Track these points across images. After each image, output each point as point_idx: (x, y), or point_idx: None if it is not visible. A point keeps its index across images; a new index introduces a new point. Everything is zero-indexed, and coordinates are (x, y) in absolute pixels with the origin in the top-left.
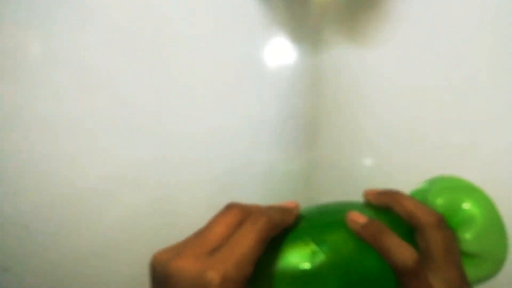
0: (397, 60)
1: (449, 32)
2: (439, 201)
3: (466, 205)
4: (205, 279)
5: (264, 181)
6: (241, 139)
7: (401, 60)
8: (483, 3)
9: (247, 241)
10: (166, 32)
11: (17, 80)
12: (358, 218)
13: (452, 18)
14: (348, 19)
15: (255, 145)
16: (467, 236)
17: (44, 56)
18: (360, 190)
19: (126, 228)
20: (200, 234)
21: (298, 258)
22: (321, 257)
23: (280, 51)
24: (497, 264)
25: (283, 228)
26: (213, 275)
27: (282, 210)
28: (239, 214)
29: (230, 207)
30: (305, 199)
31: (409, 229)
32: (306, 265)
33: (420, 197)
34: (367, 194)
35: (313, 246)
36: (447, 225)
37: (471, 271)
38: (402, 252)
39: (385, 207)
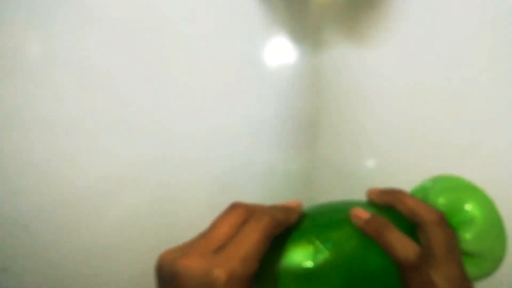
0: (397, 60)
1: (449, 32)
2: (441, 200)
3: (467, 206)
4: (212, 277)
5: (264, 181)
6: (241, 139)
7: (401, 60)
8: (483, 3)
9: (251, 239)
10: (166, 32)
11: (17, 80)
12: (362, 214)
13: (451, 18)
14: (348, 19)
15: (255, 145)
16: (467, 235)
17: (44, 56)
18: (360, 190)
19: (126, 228)
20: (205, 234)
21: (302, 256)
22: (324, 255)
23: (280, 51)
24: (496, 263)
25: (287, 226)
26: (220, 273)
27: (285, 209)
28: (243, 213)
29: (234, 207)
30: (305, 199)
31: (411, 227)
32: (309, 263)
33: (421, 195)
34: (370, 193)
35: (316, 244)
36: (448, 223)
37: (470, 269)
38: (405, 246)
39: (387, 205)
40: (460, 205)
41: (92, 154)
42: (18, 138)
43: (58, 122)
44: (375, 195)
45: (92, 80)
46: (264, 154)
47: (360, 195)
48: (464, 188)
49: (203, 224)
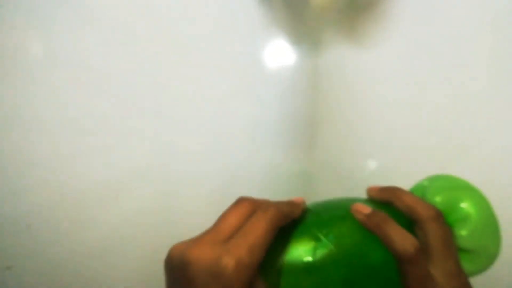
0: (396, 61)
1: (447, 33)
2: (438, 199)
3: (463, 204)
4: (221, 265)
5: (264, 181)
6: (241, 140)
7: (399, 61)
8: (482, 4)
9: (258, 229)
10: (166, 33)
11: (18, 80)
12: (363, 208)
13: (450, 19)
14: (347, 21)
15: (255, 146)
16: (463, 232)
17: (44, 56)
18: (359, 190)
19: (127, 227)
20: (214, 226)
21: (305, 249)
22: (327, 249)
23: (280, 53)
24: (490, 259)
25: (291, 219)
26: (228, 261)
27: (290, 203)
28: (249, 206)
29: (241, 200)
30: (306, 199)
31: (409, 223)
32: (312, 257)
33: (419, 193)
34: (369, 190)
35: (319, 238)
36: (444, 220)
37: (465, 265)
38: (404, 240)
39: (386, 202)
40: (456, 203)
41: (94, 154)
42: (19, 138)
43: (59, 122)
44: (374, 192)
45: (92, 80)
46: (264, 155)
47: (359, 194)
48: (460, 187)
49: (205, 223)
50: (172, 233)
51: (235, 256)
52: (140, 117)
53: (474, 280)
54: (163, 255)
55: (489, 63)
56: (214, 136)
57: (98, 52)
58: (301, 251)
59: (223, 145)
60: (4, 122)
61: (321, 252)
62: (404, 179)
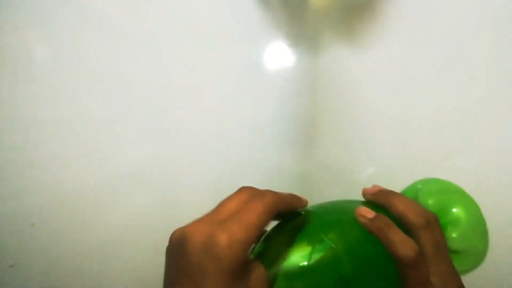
0: (394, 63)
1: (445, 35)
2: (430, 201)
3: (454, 208)
4: (214, 240)
5: (263, 181)
6: (241, 141)
7: (398, 62)
8: (480, 5)
9: (254, 211)
10: (166, 35)
11: (19, 81)
12: (366, 212)
13: (448, 20)
14: (346, 23)
15: (255, 147)
16: (453, 234)
17: (45, 57)
18: (358, 190)
19: (128, 227)
20: (214, 209)
21: (300, 256)
22: (329, 250)
23: (279, 54)
24: (479, 260)
25: (290, 209)
26: (221, 236)
27: (291, 194)
28: (249, 192)
29: (243, 188)
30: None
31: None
32: (314, 259)
33: (413, 194)
34: (364, 193)
35: (322, 240)
36: (436, 224)
37: (456, 265)
38: (405, 245)
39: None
40: (447, 207)
41: (97, 154)
42: (23, 137)
43: (61, 122)
44: (369, 196)
45: (93, 81)
46: (263, 156)
47: (358, 195)
48: (451, 191)
49: None
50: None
51: (228, 232)
52: (140, 118)
53: (474, 280)
54: (163, 256)
55: (488, 63)
56: (214, 137)
57: (99, 53)
58: (304, 253)
59: (223, 145)
60: (6, 122)
61: (324, 253)
62: (402, 179)
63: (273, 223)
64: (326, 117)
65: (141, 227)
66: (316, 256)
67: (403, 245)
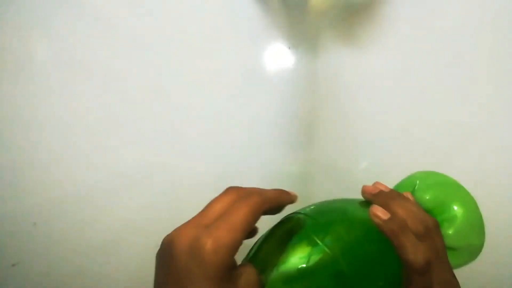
0: (393, 64)
1: (445, 36)
2: (428, 197)
3: (451, 204)
4: (199, 244)
5: (263, 181)
6: (240, 141)
7: (396, 64)
8: (480, 5)
9: (239, 213)
10: (166, 36)
11: (24, 81)
12: (381, 213)
13: (447, 22)
14: (344, 26)
15: (254, 147)
16: (449, 231)
17: (46, 57)
18: (355, 188)
19: (130, 225)
20: (201, 211)
21: (299, 257)
22: (322, 254)
23: (279, 56)
24: (473, 255)
25: (278, 205)
26: (206, 240)
27: (278, 190)
28: (235, 193)
29: (229, 189)
30: (302, 198)
31: None
32: (307, 262)
33: (409, 188)
34: (364, 191)
35: (316, 243)
36: (436, 231)
37: (450, 260)
38: (417, 251)
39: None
40: (444, 203)
41: (99, 154)
42: (24, 137)
43: (63, 122)
44: (368, 195)
45: (94, 81)
46: (262, 155)
47: (356, 194)
48: (449, 187)
49: None
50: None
51: (213, 236)
52: (140, 118)
53: (474, 280)
54: None
55: (488, 64)
56: (213, 138)
57: (99, 54)
58: (299, 258)
59: (223, 146)
60: (8, 122)
61: (316, 257)
62: (396, 177)
63: (272, 224)
64: (325, 118)
65: (141, 227)
66: (313, 258)
67: (414, 250)
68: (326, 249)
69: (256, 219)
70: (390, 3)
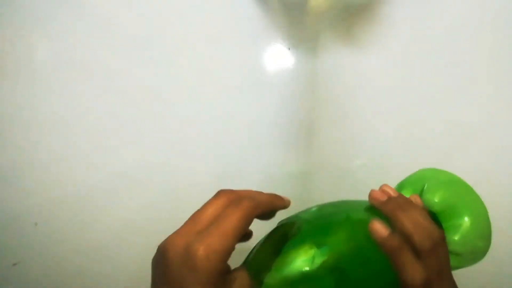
0: (390, 65)
1: (444, 36)
2: (437, 199)
3: (461, 211)
4: (191, 251)
5: (262, 181)
6: (240, 141)
7: (394, 65)
8: (480, 6)
9: (231, 219)
10: (167, 37)
11: (25, 81)
12: (381, 230)
13: (446, 22)
14: (344, 26)
15: (254, 147)
16: (455, 237)
17: (47, 58)
18: (355, 189)
19: (131, 225)
20: (194, 216)
21: (300, 261)
22: (320, 259)
23: (279, 56)
24: (475, 261)
25: (270, 209)
26: (198, 247)
27: (270, 194)
28: (227, 197)
29: (220, 192)
30: (303, 199)
31: None
32: (307, 267)
33: (418, 187)
34: (372, 198)
35: (312, 250)
36: (442, 246)
37: (452, 262)
38: (414, 271)
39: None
40: (453, 209)
41: (99, 154)
42: (26, 137)
43: (64, 122)
44: (376, 203)
45: (96, 82)
46: (262, 155)
47: (356, 194)
48: (460, 191)
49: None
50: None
51: (204, 243)
52: (141, 118)
53: (474, 280)
54: None
55: (488, 63)
56: (213, 138)
57: (99, 55)
58: (297, 263)
59: (222, 146)
60: (11, 122)
61: (315, 264)
62: (396, 177)
63: (270, 229)
64: (325, 118)
65: (142, 227)
66: (313, 262)
67: (411, 270)
68: (326, 253)
69: (248, 224)
70: (389, 3)
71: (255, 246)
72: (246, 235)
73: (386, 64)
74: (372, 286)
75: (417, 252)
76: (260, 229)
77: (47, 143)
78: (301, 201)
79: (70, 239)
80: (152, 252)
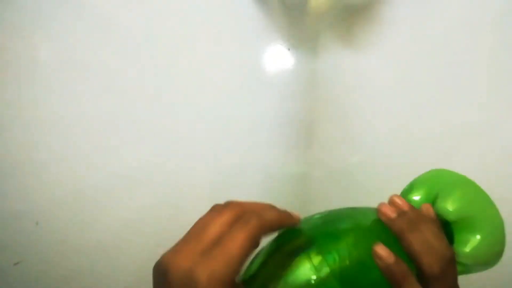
0: (390, 66)
1: (443, 37)
2: (451, 209)
3: (476, 225)
4: (194, 277)
5: (262, 181)
6: (241, 141)
7: (393, 66)
8: (479, 8)
9: (236, 242)
10: (167, 37)
11: (27, 81)
12: (386, 255)
13: (445, 23)
14: (344, 27)
15: (254, 147)
16: (466, 249)
17: (49, 59)
18: (355, 190)
19: (131, 225)
20: (196, 232)
21: (303, 271)
22: (325, 270)
23: (278, 57)
24: (480, 271)
25: (279, 228)
26: (201, 273)
27: (280, 211)
28: (233, 213)
29: (227, 206)
30: (302, 199)
31: None
32: (311, 278)
33: (431, 191)
34: (380, 214)
35: (317, 259)
36: (451, 268)
37: (458, 269)
38: None
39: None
40: (468, 220)
41: (100, 154)
42: (27, 137)
43: (67, 123)
44: (385, 220)
45: (97, 82)
46: (262, 155)
47: (354, 195)
48: (477, 202)
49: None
50: (174, 233)
51: (208, 269)
52: (141, 119)
53: (474, 280)
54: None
55: (488, 63)
56: (213, 138)
57: (100, 55)
58: (301, 273)
59: (222, 146)
60: (13, 123)
61: (319, 274)
62: (395, 178)
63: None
64: (325, 118)
65: (142, 227)
66: (316, 276)
67: None
68: (333, 261)
69: (255, 246)
70: (389, 3)
71: (257, 254)
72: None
73: (386, 64)
74: None
75: (425, 276)
76: None
77: (47, 142)
78: (300, 201)
79: (71, 238)
80: (152, 252)
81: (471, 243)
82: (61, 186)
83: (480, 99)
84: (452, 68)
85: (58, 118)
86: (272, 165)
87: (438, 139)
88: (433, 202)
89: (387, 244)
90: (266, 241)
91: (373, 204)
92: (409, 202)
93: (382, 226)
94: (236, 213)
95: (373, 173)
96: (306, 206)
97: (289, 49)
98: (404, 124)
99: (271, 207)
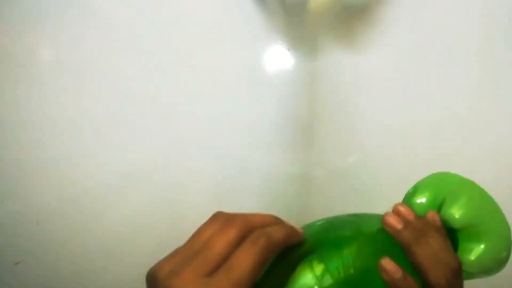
0: (390, 66)
1: (441, 37)
2: (458, 216)
3: (482, 234)
4: None
5: (263, 181)
6: (240, 142)
7: (393, 66)
8: (478, 9)
9: (244, 264)
10: (168, 38)
11: (30, 82)
12: (394, 270)
13: (444, 24)
14: (343, 27)
15: (254, 148)
16: (471, 258)
17: (52, 60)
18: (355, 190)
19: (132, 225)
20: (200, 250)
21: (306, 280)
22: (328, 279)
23: (278, 57)
24: (483, 277)
25: (286, 247)
26: None
27: (287, 228)
28: (239, 230)
29: (232, 221)
30: (302, 200)
31: None
32: (316, 287)
33: (437, 196)
34: (386, 225)
35: (320, 268)
36: (457, 280)
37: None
38: None
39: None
40: (474, 228)
41: (101, 154)
42: (31, 137)
43: (68, 123)
44: (391, 231)
45: (98, 82)
46: (262, 156)
47: (354, 196)
48: (485, 209)
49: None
50: (174, 233)
51: None
52: (142, 119)
53: (474, 280)
54: (163, 256)
55: (488, 63)
56: (213, 138)
57: (102, 56)
58: (303, 283)
59: (222, 147)
60: (14, 123)
61: (322, 284)
62: (395, 178)
63: None
64: (325, 119)
65: (143, 227)
66: (319, 280)
67: None
68: (337, 269)
69: (263, 268)
70: (389, 4)
71: None
72: None
73: (386, 64)
74: None
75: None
76: None
77: (48, 142)
78: (301, 201)
79: (72, 238)
80: (154, 251)
81: (476, 251)
82: (62, 185)
83: (484, 100)
84: (453, 68)
85: (59, 118)
86: (272, 165)
87: (439, 139)
88: (438, 207)
89: (392, 254)
90: None
91: (374, 204)
92: (413, 205)
93: (386, 235)
94: (243, 230)
95: (374, 173)
96: (307, 206)
97: (289, 50)
98: (404, 124)
99: (277, 222)
